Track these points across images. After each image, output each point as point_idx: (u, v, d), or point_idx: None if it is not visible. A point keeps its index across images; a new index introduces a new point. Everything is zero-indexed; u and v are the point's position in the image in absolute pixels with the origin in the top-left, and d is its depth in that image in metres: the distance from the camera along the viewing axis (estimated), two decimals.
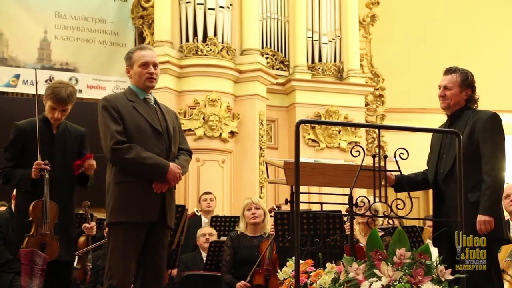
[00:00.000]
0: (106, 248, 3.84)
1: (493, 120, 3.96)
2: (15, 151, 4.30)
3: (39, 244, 4.16)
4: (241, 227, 5.61)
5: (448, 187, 3.91)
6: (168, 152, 3.85)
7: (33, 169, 4.19)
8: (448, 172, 3.95)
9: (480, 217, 3.77)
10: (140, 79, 3.87)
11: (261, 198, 8.53)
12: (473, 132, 3.93)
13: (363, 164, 3.30)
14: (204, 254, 6.40)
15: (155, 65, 3.90)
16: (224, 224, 6.89)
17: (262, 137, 9.37)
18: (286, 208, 5.59)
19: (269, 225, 5.63)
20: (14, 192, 5.50)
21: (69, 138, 4.42)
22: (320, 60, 10.39)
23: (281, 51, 10.37)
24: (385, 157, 3.36)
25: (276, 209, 6.14)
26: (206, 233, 6.58)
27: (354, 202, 3.33)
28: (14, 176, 4.27)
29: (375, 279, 2.96)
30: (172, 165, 3.77)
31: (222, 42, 9.25)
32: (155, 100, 3.97)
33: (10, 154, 4.31)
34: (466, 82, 4.07)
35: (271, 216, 5.64)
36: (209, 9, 9.21)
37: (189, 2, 9.29)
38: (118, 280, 3.64)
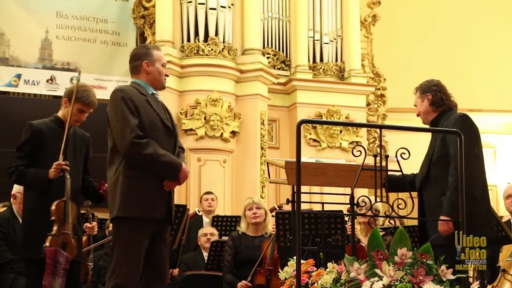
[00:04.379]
0: (110, 246, 3.81)
1: (459, 122, 3.94)
2: (29, 150, 4.30)
3: (61, 243, 4.19)
4: (242, 227, 5.61)
5: (425, 190, 3.96)
6: (175, 149, 3.85)
7: (52, 169, 4.19)
8: (425, 176, 3.97)
9: (442, 218, 3.75)
10: (159, 77, 3.94)
11: (262, 198, 8.52)
12: (444, 136, 3.94)
13: (364, 164, 3.30)
14: (205, 254, 6.40)
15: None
16: (225, 224, 6.89)
17: (263, 137, 9.37)
18: (288, 208, 5.59)
19: (270, 225, 5.63)
20: (13, 191, 5.48)
21: (79, 141, 4.48)
22: (321, 60, 10.39)
23: (283, 51, 10.36)
24: (387, 157, 3.35)
25: (278, 209, 6.15)
26: (208, 233, 6.58)
27: (355, 202, 3.33)
28: (28, 175, 4.26)
29: (376, 278, 2.96)
30: (184, 165, 3.75)
31: (224, 42, 9.25)
32: None
33: (24, 153, 4.30)
34: (422, 90, 4.15)
35: (272, 216, 5.64)
36: (211, 8, 9.20)
37: (190, 1, 9.28)
38: (125, 279, 3.54)
